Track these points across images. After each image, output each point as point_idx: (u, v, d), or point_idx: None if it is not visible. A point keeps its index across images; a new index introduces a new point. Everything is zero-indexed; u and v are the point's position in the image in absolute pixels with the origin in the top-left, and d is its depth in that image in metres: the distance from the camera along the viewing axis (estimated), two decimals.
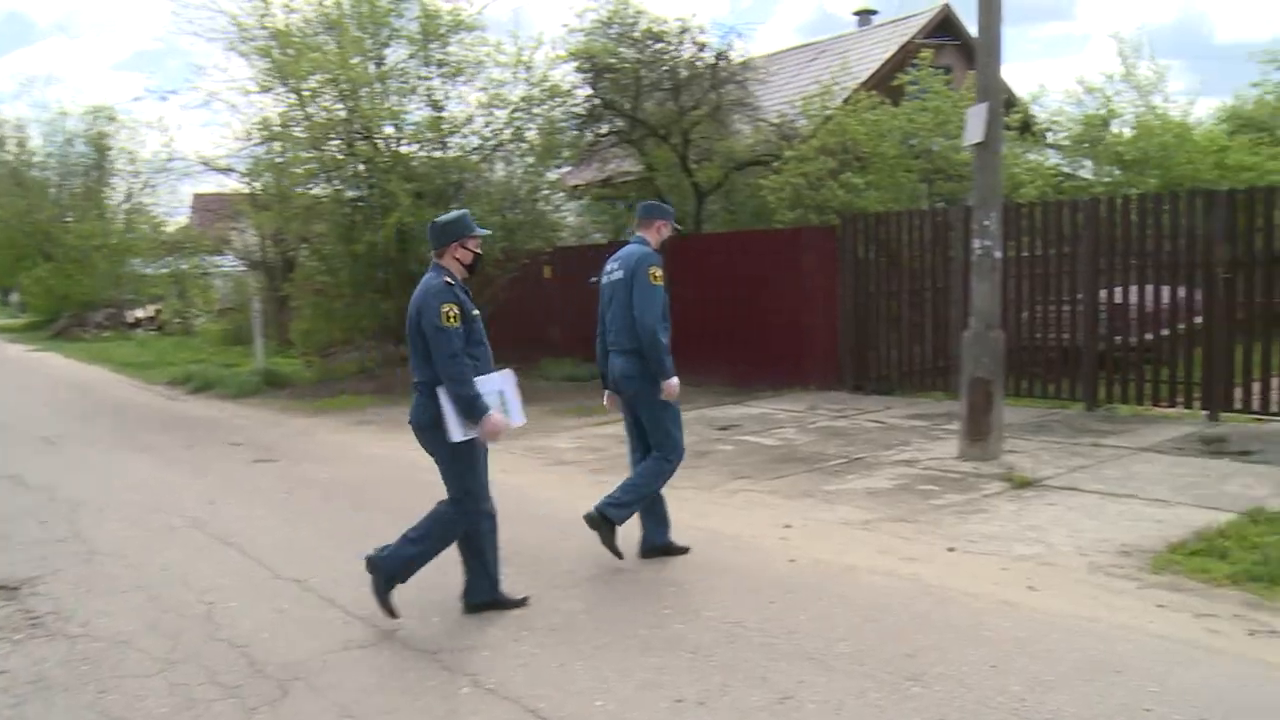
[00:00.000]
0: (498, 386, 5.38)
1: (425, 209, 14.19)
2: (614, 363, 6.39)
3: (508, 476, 9.43)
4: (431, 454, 5.45)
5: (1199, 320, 11.03)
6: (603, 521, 6.26)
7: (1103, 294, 11.72)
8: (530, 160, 16.01)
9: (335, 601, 5.93)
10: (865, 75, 19.94)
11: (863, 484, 8.36)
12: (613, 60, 16.58)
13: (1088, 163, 20.11)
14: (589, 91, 17.03)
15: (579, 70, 16.69)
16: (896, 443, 10.22)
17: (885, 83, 18.46)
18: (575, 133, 17.07)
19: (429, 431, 5.34)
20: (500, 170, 16.56)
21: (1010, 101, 19.67)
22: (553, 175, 17.00)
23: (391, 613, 5.43)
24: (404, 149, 15.39)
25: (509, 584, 5.78)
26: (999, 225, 9.25)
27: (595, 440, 11.14)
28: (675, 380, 6.23)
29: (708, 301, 14.70)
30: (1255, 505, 7.02)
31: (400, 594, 5.52)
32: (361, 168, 15.09)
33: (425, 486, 5.90)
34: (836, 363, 14.06)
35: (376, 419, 13.29)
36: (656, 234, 6.47)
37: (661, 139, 17.17)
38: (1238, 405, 10.64)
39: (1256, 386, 10.57)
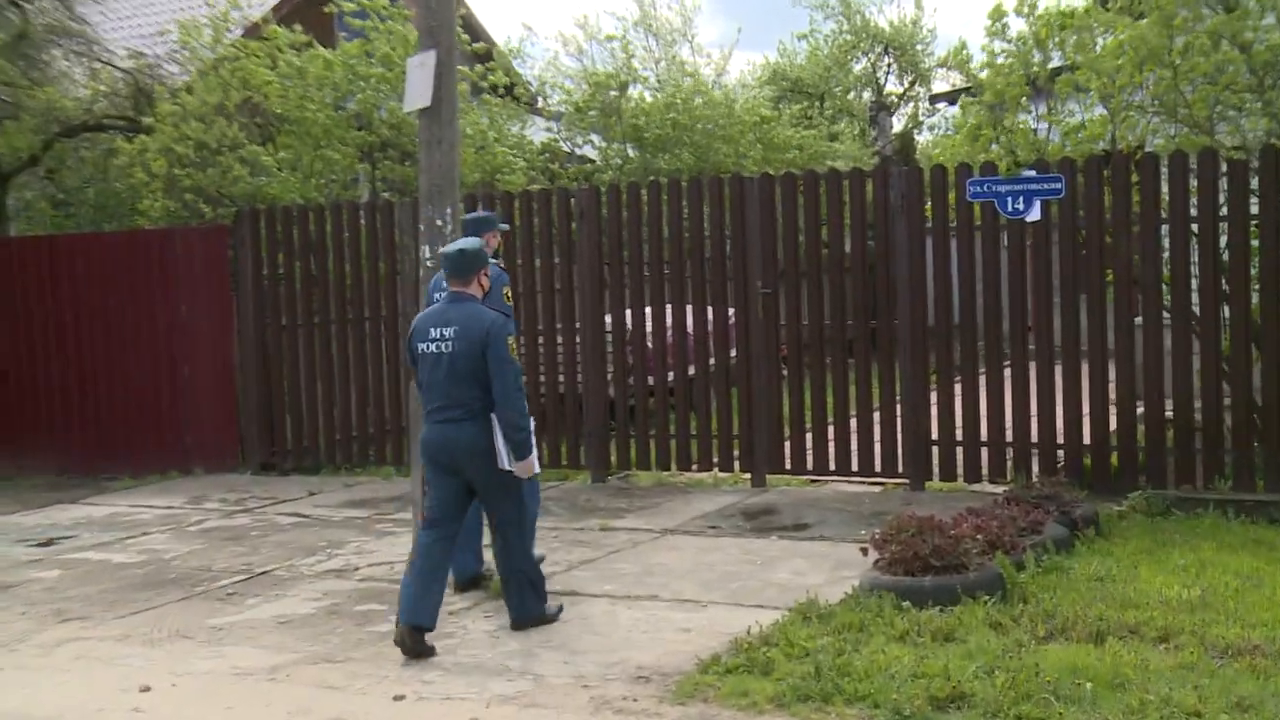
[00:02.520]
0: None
1: None
2: None
3: None
4: (480, 479, 7.42)
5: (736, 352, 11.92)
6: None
7: (611, 319, 12.38)
8: None
9: None
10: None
11: (270, 611, 8.24)
12: None
13: (595, 138, 21.46)
14: None
15: None
16: (324, 544, 10.25)
17: (309, 11, 18.44)
18: None
19: (488, 455, 7.32)
20: None
21: (485, 52, 20.46)
22: None
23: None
24: None
25: None
26: (458, 224, 9.41)
27: None
28: None
29: (21, 346, 14.14)
30: (808, 598, 7.60)
31: None
32: None
33: None
34: (235, 431, 13.93)
35: None
36: (486, 247, 8.18)
37: None
38: (788, 464, 11.61)
39: (810, 438, 11.57)
